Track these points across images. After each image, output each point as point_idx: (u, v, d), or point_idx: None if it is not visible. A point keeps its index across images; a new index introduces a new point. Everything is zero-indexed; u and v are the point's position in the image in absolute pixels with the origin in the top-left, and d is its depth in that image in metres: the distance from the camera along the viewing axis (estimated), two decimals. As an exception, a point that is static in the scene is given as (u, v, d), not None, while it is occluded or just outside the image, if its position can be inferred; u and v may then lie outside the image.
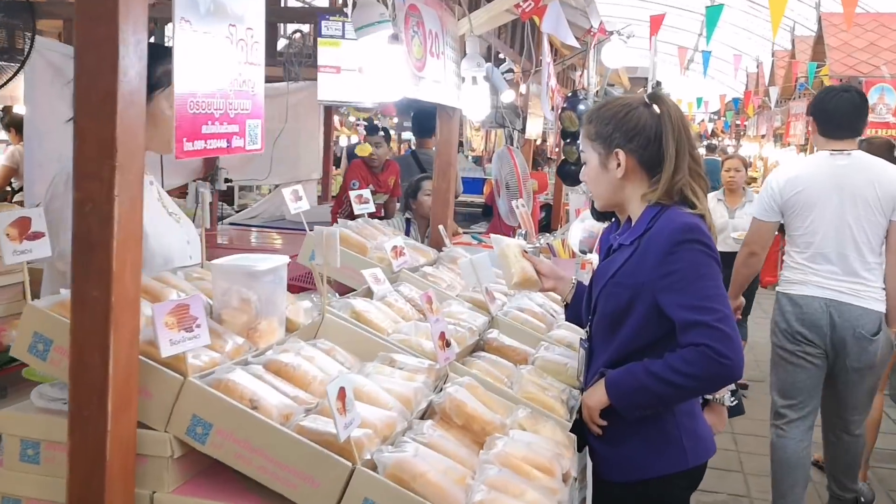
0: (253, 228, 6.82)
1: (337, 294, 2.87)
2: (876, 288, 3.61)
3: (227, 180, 6.50)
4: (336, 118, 14.52)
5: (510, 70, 4.86)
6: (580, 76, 5.99)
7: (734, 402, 2.72)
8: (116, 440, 1.45)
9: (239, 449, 1.53)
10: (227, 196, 8.90)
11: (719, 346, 1.85)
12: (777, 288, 3.93)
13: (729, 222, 6.18)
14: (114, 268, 1.40)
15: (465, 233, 6.62)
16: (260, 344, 1.82)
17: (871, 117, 8.93)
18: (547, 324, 2.95)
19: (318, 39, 2.33)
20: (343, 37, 2.27)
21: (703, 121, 25.39)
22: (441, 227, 3.53)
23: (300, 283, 3.17)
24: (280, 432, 1.53)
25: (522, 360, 2.58)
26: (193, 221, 6.17)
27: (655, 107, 2.05)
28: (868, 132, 9.30)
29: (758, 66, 16.79)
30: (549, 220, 8.56)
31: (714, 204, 6.15)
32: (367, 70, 2.36)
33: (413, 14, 2.83)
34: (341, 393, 1.47)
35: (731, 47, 17.21)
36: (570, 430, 2.11)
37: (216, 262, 1.86)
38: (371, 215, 6.28)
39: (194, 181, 6.44)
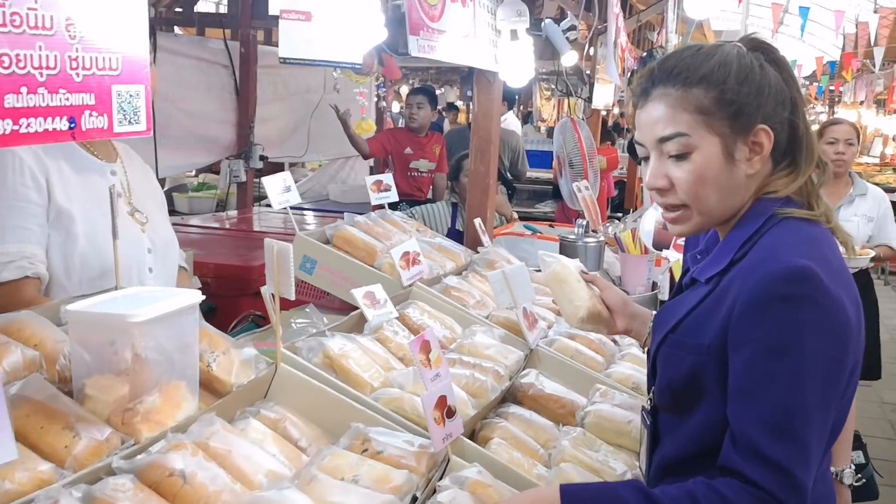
0: (296, 211, 6.22)
1: (324, 319, 2.23)
2: None
3: (262, 157, 5.94)
4: (404, 87, 13.89)
5: (573, 27, 4.11)
6: (659, 34, 5.17)
7: (861, 481, 1.98)
8: None
9: None
10: (276, 172, 8.37)
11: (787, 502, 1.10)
12: None
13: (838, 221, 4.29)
14: None
15: (523, 217, 5.89)
16: (143, 432, 1.18)
17: None
18: (606, 355, 2.24)
19: (279, -29, 1.66)
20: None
21: (792, 87, 23.76)
22: (478, 220, 2.84)
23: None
24: None
25: (569, 416, 1.89)
26: (225, 201, 5.59)
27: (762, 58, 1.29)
28: None
29: (857, 26, 15.39)
30: (623, 198, 7.75)
31: None
32: (321, 15, 1.68)
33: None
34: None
35: (825, 8, 15.79)
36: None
37: (72, 308, 1.21)
38: (415, 192, 5.75)
39: (227, 159, 5.92)
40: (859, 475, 2.00)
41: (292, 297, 1.49)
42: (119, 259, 1.62)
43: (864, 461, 2.05)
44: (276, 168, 8.40)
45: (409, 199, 5.45)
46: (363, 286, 2.02)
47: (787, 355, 1.11)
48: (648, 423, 1.39)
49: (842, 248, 1.27)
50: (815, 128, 4.23)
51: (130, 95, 1.17)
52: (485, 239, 2.85)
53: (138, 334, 1.18)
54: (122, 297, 1.29)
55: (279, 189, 2.26)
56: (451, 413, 1.47)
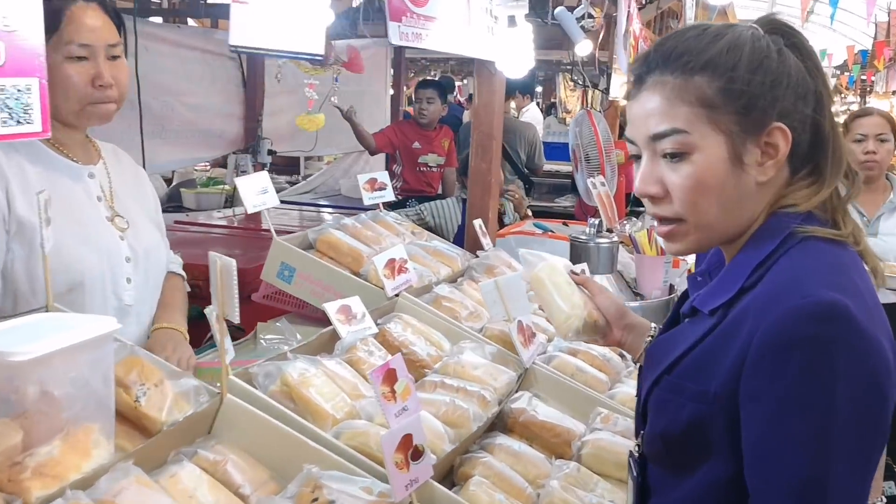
0: (311, 208, 6.07)
1: (297, 335, 2.04)
2: None
3: (270, 152, 5.77)
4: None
5: (588, 15, 3.89)
6: (680, 23, 4.92)
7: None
8: None
9: None
10: (291, 167, 8.23)
11: None
12: None
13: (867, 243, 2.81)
14: None
15: (542, 213, 5.67)
16: (34, 490, 1.00)
17: None
18: (611, 373, 2.04)
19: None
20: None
21: (824, 76, 23.11)
22: (478, 221, 2.64)
23: (270, 304, 2.35)
24: None
25: (564, 445, 1.69)
26: (233, 196, 5.43)
27: (782, 42, 1.06)
28: None
29: (889, 14, 14.93)
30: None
31: None
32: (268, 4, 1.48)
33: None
34: None
35: (858, -5, 15.29)
36: None
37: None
38: (425, 188, 5.56)
39: (234, 153, 5.76)
40: None
41: (236, 320, 1.30)
42: (53, 271, 1.45)
43: (896, 485, 1.84)
44: (290, 161, 8.27)
45: (418, 195, 5.27)
46: (346, 296, 1.84)
47: (815, 412, 0.90)
48: (636, 473, 1.18)
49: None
50: (842, 120, 3.71)
51: (18, 91, 0.98)
52: (485, 241, 2.65)
53: (30, 373, 1.00)
54: (28, 324, 1.11)
55: (254, 191, 2.07)
56: (417, 454, 1.28)
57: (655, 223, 1.10)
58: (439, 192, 5.56)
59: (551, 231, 3.88)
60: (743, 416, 0.96)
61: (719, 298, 1.05)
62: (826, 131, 1.05)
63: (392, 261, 2.06)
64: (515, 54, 2.50)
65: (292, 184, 7.31)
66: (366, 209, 2.62)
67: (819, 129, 1.05)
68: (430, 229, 3.88)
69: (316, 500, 1.21)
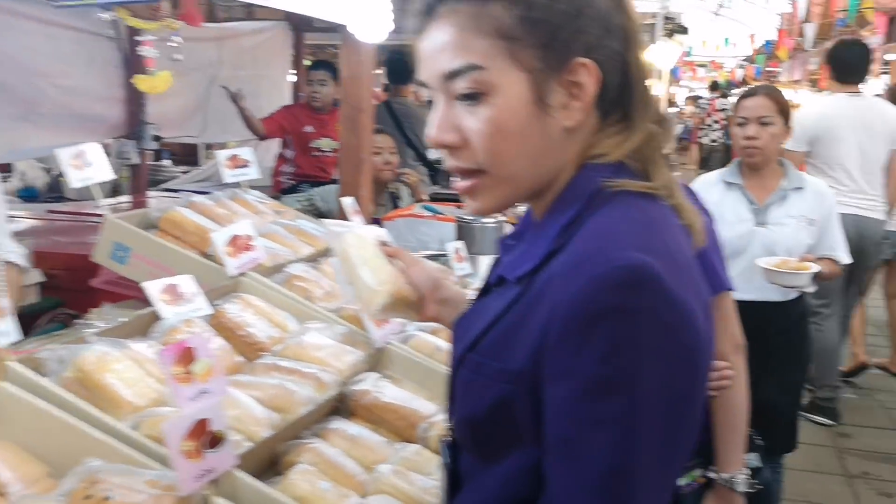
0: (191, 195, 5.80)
1: (120, 321, 1.86)
2: (881, 202, 4.42)
3: (156, 138, 5.49)
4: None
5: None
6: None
7: (757, 487, 1.73)
8: None
9: None
10: (190, 156, 7.91)
11: None
12: None
13: (756, 233, 2.76)
14: None
15: (445, 200, 5.53)
16: None
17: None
18: (472, 352, 1.93)
19: None
20: None
21: (733, 69, 23.80)
22: (349, 199, 2.49)
23: (112, 289, 2.17)
24: None
25: (411, 428, 1.57)
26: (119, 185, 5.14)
27: None
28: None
29: (792, 3, 15.40)
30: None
31: (721, 194, 2.82)
32: None
33: None
34: None
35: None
36: None
37: None
38: (319, 173, 5.39)
39: (116, 139, 5.46)
40: (756, 481, 1.74)
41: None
42: None
43: (759, 465, 1.78)
44: (189, 151, 7.95)
45: (312, 181, 5.09)
46: (145, 284, 1.67)
47: (619, 392, 0.79)
48: (447, 460, 1.05)
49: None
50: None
51: None
52: (357, 220, 2.50)
53: None
54: None
55: (78, 163, 1.89)
56: (216, 442, 1.14)
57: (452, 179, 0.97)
58: (335, 177, 5.39)
59: (440, 213, 3.76)
60: (545, 398, 0.85)
61: (525, 265, 0.92)
62: (633, 71, 0.94)
63: (236, 237, 1.90)
64: (369, 17, 2.32)
65: (183, 173, 7.02)
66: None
67: (628, 70, 0.94)
68: (320, 215, 3.72)
69: (89, 496, 1.06)
